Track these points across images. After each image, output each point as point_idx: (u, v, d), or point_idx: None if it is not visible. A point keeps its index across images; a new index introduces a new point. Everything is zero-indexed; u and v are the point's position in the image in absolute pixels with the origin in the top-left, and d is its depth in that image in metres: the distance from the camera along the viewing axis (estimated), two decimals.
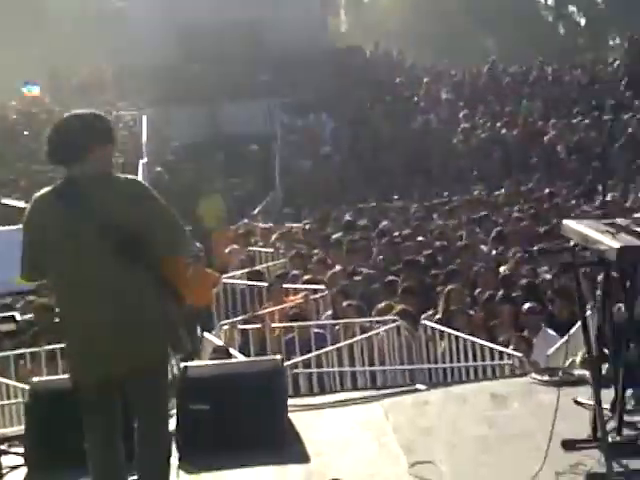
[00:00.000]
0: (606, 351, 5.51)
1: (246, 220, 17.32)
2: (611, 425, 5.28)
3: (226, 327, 10.05)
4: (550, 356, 8.48)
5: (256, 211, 19.07)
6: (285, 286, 11.39)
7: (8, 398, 8.53)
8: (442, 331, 9.39)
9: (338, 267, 12.49)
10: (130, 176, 4.55)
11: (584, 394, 5.88)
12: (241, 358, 8.62)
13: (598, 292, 9.00)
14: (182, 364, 5.63)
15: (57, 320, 4.60)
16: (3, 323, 5.68)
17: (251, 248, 14.59)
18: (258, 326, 10.02)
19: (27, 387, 8.23)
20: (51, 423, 5.57)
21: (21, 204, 5.22)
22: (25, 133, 24.67)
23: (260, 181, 21.65)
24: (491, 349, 8.73)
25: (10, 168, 22.40)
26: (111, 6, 41.23)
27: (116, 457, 4.59)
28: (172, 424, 5.19)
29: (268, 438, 5.65)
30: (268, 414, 5.74)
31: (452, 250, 12.67)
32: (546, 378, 6.54)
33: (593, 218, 12.44)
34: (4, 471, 5.29)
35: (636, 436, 5.36)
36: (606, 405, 5.32)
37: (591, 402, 5.54)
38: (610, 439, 5.12)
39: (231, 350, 8.83)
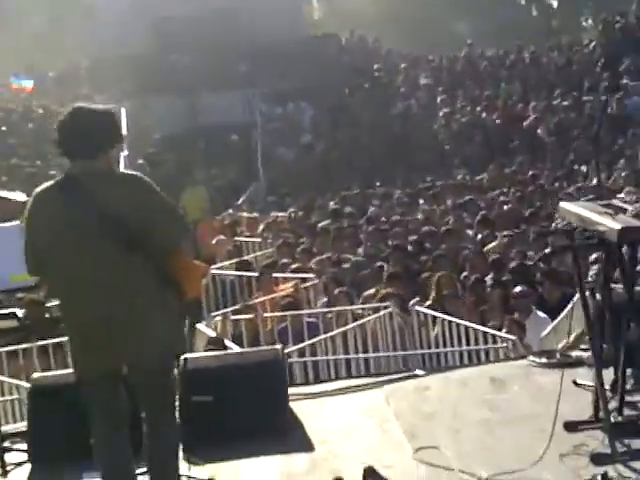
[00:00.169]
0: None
1: (231, 210, 17.28)
2: (612, 405, 5.33)
3: (218, 318, 10.04)
4: (543, 339, 8.54)
5: (240, 201, 19.03)
6: (275, 275, 11.38)
7: (2, 395, 8.48)
8: (434, 316, 9.43)
9: (326, 255, 12.54)
10: (130, 171, 4.54)
11: (583, 376, 5.94)
12: (236, 349, 8.62)
13: (590, 273, 9.15)
14: (181, 356, 5.60)
15: (60, 314, 4.57)
16: (4, 319, 5.66)
17: (237, 238, 14.56)
18: (250, 316, 10.02)
19: (20, 383, 8.29)
20: (53, 418, 5.57)
21: (19, 197, 5.19)
22: (2, 128, 24.47)
23: (242, 171, 21.61)
24: (484, 333, 8.77)
25: None
26: None
27: (123, 450, 4.60)
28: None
29: (271, 427, 5.68)
30: (270, 403, 5.78)
31: (439, 235, 12.70)
32: (544, 360, 6.58)
33: (577, 200, 12.67)
34: (8, 468, 5.27)
35: (637, 416, 5.42)
36: (606, 386, 5.37)
37: (590, 383, 5.60)
38: (612, 419, 5.17)
39: (226, 341, 8.82)
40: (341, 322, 9.79)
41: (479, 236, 12.86)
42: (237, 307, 10.55)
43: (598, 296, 6.76)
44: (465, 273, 10.91)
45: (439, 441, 5.35)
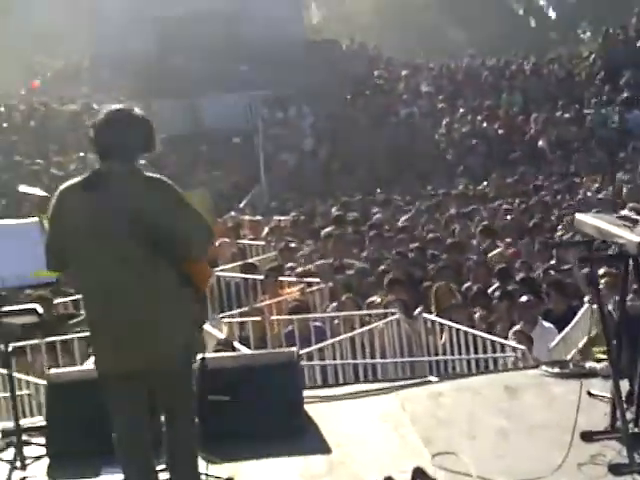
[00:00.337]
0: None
1: (233, 213, 17.34)
2: (628, 416, 5.37)
3: (225, 320, 10.07)
4: (552, 349, 8.59)
5: (242, 204, 19.10)
6: (281, 279, 11.42)
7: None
8: (442, 324, 9.47)
9: (328, 260, 12.59)
10: (156, 174, 4.56)
11: (597, 386, 5.99)
12: (245, 351, 8.65)
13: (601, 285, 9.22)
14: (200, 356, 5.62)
15: (84, 311, 4.61)
16: (25, 315, 5.69)
17: (241, 241, 14.61)
18: (258, 319, 10.05)
19: (29, 379, 8.31)
20: (70, 413, 5.61)
21: (41, 192, 5.21)
22: (4, 125, 24.51)
23: (244, 174, 21.67)
24: (492, 342, 8.82)
25: None
26: None
27: (143, 446, 4.63)
28: None
29: (287, 429, 5.71)
30: (286, 405, 5.81)
31: (443, 244, 12.75)
32: (557, 370, 6.62)
33: (578, 212, 12.74)
34: (27, 462, 5.30)
35: None
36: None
37: (605, 394, 5.65)
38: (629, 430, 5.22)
39: (235, 344, 8.84)
40: (348, 327, 9.83)
41: (482, 246, 12.94)
42: (244, 309, 10.59)
43: (610, 307, 6.87)
44: (468, 284, 10.97)
45: (456, 447, 5.38)
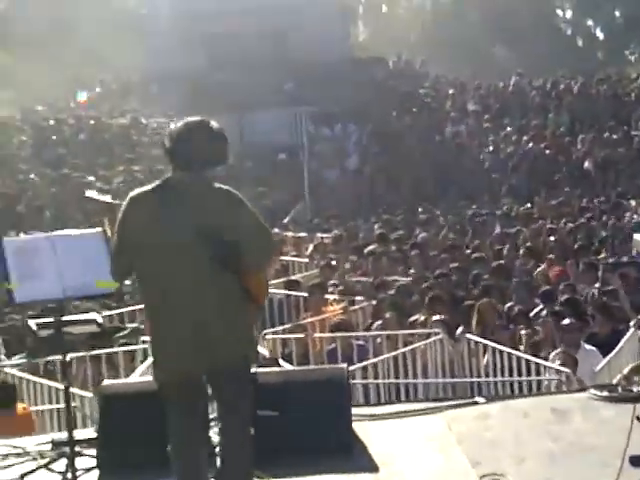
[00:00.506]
0: None
1: (277, 230, 17.40)
2: None
3: (270, 336, 10.12)
4: (597, 373, 8.53)
5: (286, 220, 19.17)
6: (325, 296, 11.46)
7: (57, 402, 8.60)
8: (485, 345, 9.45)
9: (372, 278, 12.62)
10: (225, 187, 4.61)
11: None
12: (289, 367, 8.69)
13: None
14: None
15: (148, 317, 4.68)
16: (86, 325, 5.77)
17: (284, 257, 14.67)
18: (301, 336, 10.09)
19: (75, 391, 8.40)
20: (122, 425, 5.66)
21: (106, 198, 5.29)
22: (53, 138, 24.83)
23: (288, 190, 21.76)
24: (537, 364, 8.78)
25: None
26: (134, 14, 41.46)
27: (199, 456, 4.68)
28: None
29: (335, 445, 5.71)
30: (334, 422, 5.80)
31: (487, 264, 12.71)
32: (605, 394, 6.57)
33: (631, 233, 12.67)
34: (78, 473, 5.36)
35: None
36: None
37: None
38: None
39: (280, 361, 8.90)
40: (391, 346, 9.84)
41: (526, 266, 12.87)
42: (287, 326, 10.64)
43: None
44: (510, 303, 10.93)
45: (504, 469, 5.36)
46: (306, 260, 14.52)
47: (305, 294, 11.79)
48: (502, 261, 12.83)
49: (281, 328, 10.58)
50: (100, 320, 6.00)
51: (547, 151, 22.11)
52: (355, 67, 29.71)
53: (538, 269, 12.26)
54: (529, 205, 18.17)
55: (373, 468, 5.58)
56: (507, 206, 18.31)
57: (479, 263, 12.67)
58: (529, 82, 27.35)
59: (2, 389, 7.81)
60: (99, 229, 5.56)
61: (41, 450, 5.96)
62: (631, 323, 9.34)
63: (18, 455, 5.97)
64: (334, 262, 13.76)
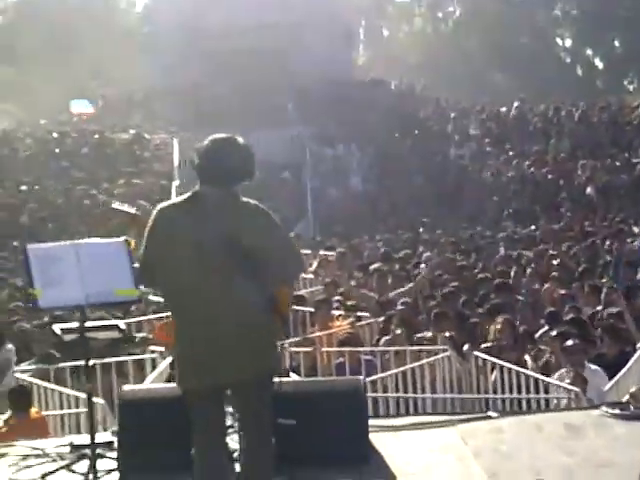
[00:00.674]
0: None
1: None
2: None
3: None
4: (606, 392, 8.60)
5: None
6: (332, 312, 11.51)
7: (69, 407, 8.67)
8: (493, 363, 9.50)
9: (378, 296, 12.69)
10: (253, 201, 4.70)
11: None
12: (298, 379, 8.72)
13: None
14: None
15: (174, 327, 4.73)
16: (108, 331, 5.84)
17: None
18: (309, 349, 10.14)
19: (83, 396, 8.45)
20: (142, 430, 5.71)
21: (132, 210, 5.37)
22: (56, 151, 24.94)
23: (292, 208, 21.86)
24: (545, 382, 8.84)
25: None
26: (137, 31, 41.69)
27: (222, 460, 4.75)
28: None
29: (352, 455, 5.76)
30: (352, 432, 5.85)
31: (491, 284, 12.78)
32: (617, 411, 6.64)
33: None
34: (99, 475, 5.41)
35: None
36: None
37: None
38: None
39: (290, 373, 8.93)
40: (399, 362, 9.89)
41: (531, 288, 12.95)
42: (295, 339, 10.68)
43: None
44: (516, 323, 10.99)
45: None
46: (311, 276, 14.58)
47: (311, 309, 11.82)
48: (507, 280, 12.89)
49: (288, 341, 10.61)
50: (122, 326, 6.06)
51: (549, 176, 22.25)
52: (357, 89, 29.91)
53: (544, 288, 12.34)
54: (533, 227, 18.26)
55: (391, 478, 5.62)
56: (510, 229, 18.42)
57: (484, 283, 12.73)
58: (530, 108, 27.55)
59: (19, 392, 7.89)
60: (121, 239, 5.66)
61: (60, 452, 6.01)
62: (638, 345, 9.42)
63: (37, 456, 6.03)
64: (339, 279, 13.82)
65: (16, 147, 25.43)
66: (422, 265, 14.41)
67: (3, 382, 9.30)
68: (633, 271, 12.95)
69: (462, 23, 53.87)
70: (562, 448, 6.00)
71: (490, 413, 6.88)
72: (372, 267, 14.57)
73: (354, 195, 22.76)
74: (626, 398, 7.99)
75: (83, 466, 5.65)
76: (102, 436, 6.21)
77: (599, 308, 11.42)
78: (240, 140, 4.70)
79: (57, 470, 5.71)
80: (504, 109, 27.54)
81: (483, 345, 9.96)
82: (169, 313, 4.95)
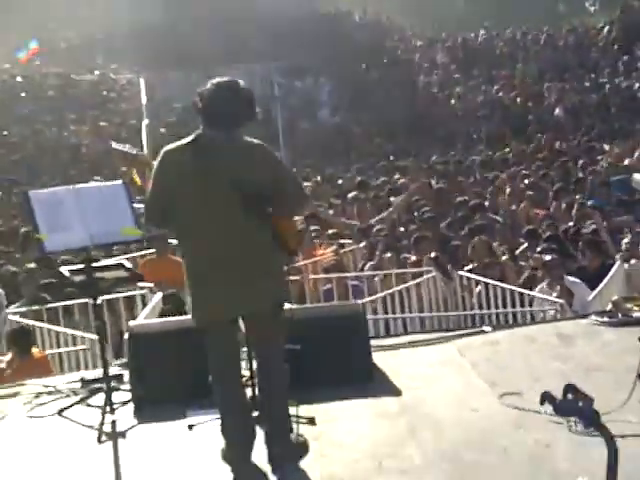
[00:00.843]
0: None
1: None
2: None
3: None
4: (589, 303, 8.87)
5: None
6: (315, 241, 11.68)
7: (66, 346, 8.81)
8: (477, 280, 9.74)
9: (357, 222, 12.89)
10: (257, 140, 4.82)
11: None
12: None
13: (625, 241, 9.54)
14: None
15: (184, 263, 4.87)
16: (113, 270, 5.95)
17: None
18: (297, 278, 10.31)
19: (86, 335, 8.61)
20: (151, 362, 5.86)
21: (132, 150, 5.46)
22: (22, 95, 24.66)
23: (263, 142, 21.84)
24: (530, 297, 9.11)
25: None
26: None
27: (240, 388, 4.93)
28: None
29: (358, 375, 5.94)
30: (356, 353, 6.03)
31: (469, 208, 12.96)
32: (606, 319, 6.88)
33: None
34: (115, 406, 5.56)
35: None
36: None
37: None
38: None
39: None
40: (386, 286, 10.10)
41: (509, 208, 13.17)
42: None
43: None
44: (496, 243, 11.21)
45: (520, 388, 5.61)
46: None
47: None
48: (483, 202, 13.09)
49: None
50: (128, 265, 6.18)
51: (518, 99, 22.38)
52: (322, 22, 29.74)
53: (519, 207, 12.59)
54: (507, 150, 18.44)
55: (396, 392, 5.81)
56: (483, 153, 18.59)
57: (462, 206, 12.92)
58: (497, 34, 27.56)
59: (20, 333, 7.99)
60: (119, 181, 5.80)
61: (73, 388, 6.15)
62: (617, 256, 9.69)
63: (50, 393, 6.16)
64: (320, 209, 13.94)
65: None
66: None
67: None
68: (607, 190, 13.19)
69: None
70: (556, 356, 6.23)
71: (484, 328, 7.09)
72: (350, 195, 14.71)
73: (325, 127, 22.78)
74: (609, 307, 8.27)
75: (98, 400, 5.79)
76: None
77: (570, 224, 11.68)
78: (241, 83, 4.79)
79: (73, 405, 5.84)
80: (472, 35, 27.51)
81: (466, 268, 10.21)
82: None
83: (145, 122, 21.45)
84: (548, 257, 9.77)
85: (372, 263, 10.70)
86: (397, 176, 16.81)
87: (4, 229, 14.33)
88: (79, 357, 8.63)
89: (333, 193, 15.61)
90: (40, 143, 20.39)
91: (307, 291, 10.26)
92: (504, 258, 10.47)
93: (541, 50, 25.37)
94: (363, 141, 21.29)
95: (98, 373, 6.39)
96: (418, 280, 9.90)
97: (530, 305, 9.19)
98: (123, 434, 5.37)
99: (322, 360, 5.89)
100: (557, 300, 8.78)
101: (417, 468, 4.76)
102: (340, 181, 17.12)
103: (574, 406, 4.86)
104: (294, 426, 5.09)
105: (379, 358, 6.37)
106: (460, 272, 9.96)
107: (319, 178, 16.82)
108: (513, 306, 9.23)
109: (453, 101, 23.15)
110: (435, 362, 6.37)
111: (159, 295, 9.81)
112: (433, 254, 10.04)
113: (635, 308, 7.15)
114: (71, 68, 27.67)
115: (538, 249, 10.09)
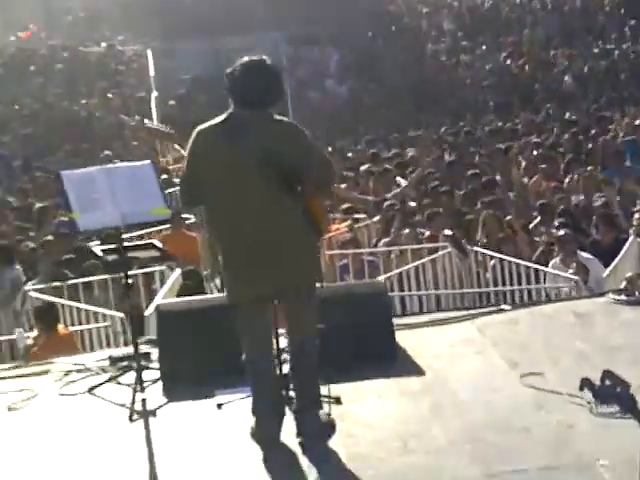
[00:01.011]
0: None
1: None
2: None
3: None
4: (604, 279, 8.96)
5: None
6: (331, 215, 11.75)
7: (88, 322, 8.93)
8: (492, 256, 9.83)
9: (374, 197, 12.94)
10: (286, 119, 4.93)
11: None
12: None
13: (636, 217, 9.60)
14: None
15: (218, 242, 4.99)
16: (146, 250, 6.07)
17: None
18: None
19: (107, 312, 8.73)
20: (181, 339, 5.99)
21: (166, 129, 5.56)
22: (31, 68, 24.63)
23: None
24: (544, 273, 9.21)
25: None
26: None
27: (272, 366, 5.08)
28: None
29: (381, 353, 6.04)
30: (379, 331, 6.12)
31: (483, 180, 12.95)
32: (623, 298, 6.97)
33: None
34: (145, 385, 5.70)
35: None
36: None
37: None
38: None
39: None
40: (401, 262, 10.21)
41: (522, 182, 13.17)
42: None
43: None
44: (509, 217, 11.26)
45: (541, 368, 5.71)
46: None
47: None
48: (495, 174, 13.12)
49: None
50: (159, 244, 6.31)
51: (526, 67, 22.33)
52: None
53: (531, 181, 12.63)
54: (517, 121, 18.42)
55: (419, 371, 5.94)
56: (494, 123, 18.57)
57: (474, 179, 12.96)
58: None
59: (45, 310, 8.08)
60: (148, 161, 5.90)
61: (102, 365, 6.29)
62: (631, 231, 9.75)
63: (79, 371, 6.30)
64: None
65: None
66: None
67: (15, 302, 9.55)
68: (620, 159, 13.22)
69: None
70: (575, 335, 6.34)
71: (503, 306, 7.20)
72: (362, 169, 14.75)
73: (333, 97, 22.77)
74: (624, 284, 8.36)
75: (128, 378, 5.93)
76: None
77: (581, 197, 11.70)
78: (269, 62, 4.90)
79: (103, 383, 5.98)
80: (479, 0, 27.38)
81: (480, 243, 10.30)
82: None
83: (154, 94, 21.47)
84: (561, 232, 9.83)
85: (386, 240, 10.78)
86: (408, 149, 16.79)
87: (19, 205, 14.43)
88: (100, 334, 8.75)
89: (345, 165, 15.60)
90: (51, 117, 20.44)
91: (323, 266, 10.32)
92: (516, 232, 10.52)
93: (547, 15, 25.23)
94: (372, 112, 21.28)
95: (125, 351, 6.53)
96: (433, 256, 10.00)
97: (544, 280, 9.28)
98: (154, 412, 5.52)
99: (346, 339, 5.97)
100: (572, 277, 8.86)
101: (441, 448, 4.89)
102: (350, 154, 17.11)
103: (612, 392, 4.99)
104: (324, 405, 5.21)
105: (400, 337, 6.44)
106: (475, 248, 10.05)
107: (330, 149, 16.82)
108: (528, 282, 9.32)
109: (461, 70, 23.09)
110: (456, 341, 6.48)
111: (177, 271, 9.95)
112: (449, 231, 10.11)
113: None
114: (78, 41, 27.59)
115: (555, 223, 10.11)
